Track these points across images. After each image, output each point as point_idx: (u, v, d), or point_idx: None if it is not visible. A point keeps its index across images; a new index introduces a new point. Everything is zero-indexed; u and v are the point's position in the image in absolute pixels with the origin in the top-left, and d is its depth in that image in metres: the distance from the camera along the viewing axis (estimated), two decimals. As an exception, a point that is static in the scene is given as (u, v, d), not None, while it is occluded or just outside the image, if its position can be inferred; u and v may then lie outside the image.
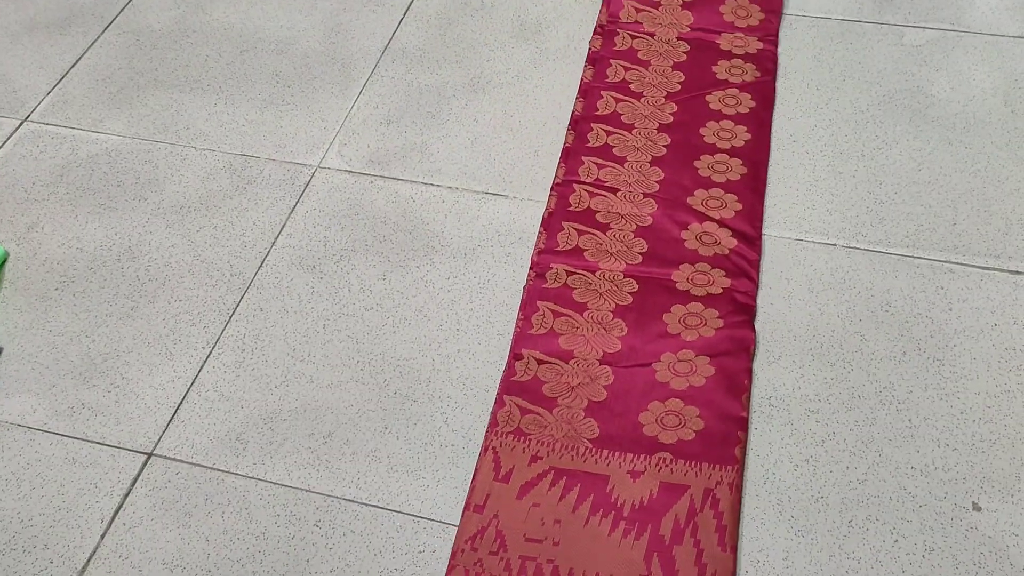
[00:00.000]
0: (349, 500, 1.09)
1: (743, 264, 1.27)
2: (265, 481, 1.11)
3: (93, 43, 1.70)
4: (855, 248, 1.30)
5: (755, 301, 1.24)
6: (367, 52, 1.65)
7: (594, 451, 1.10)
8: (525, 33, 1.67)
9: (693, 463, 1.08)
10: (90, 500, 1.10)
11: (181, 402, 1.19)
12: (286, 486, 1.10)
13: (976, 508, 1.05)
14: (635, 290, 1.25)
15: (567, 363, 1.18)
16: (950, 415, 1.12)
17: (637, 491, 1.06)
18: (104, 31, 1.72)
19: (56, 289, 1.32)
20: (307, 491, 1.10)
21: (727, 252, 1.29)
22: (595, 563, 1.01)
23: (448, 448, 1.13)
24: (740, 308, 1.22)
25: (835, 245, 1.31)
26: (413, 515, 1.07)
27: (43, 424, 1.17)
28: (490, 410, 1.15)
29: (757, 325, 1.22)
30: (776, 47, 1.59)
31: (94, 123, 1.56)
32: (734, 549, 1.02)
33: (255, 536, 1.06)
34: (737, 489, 1.06)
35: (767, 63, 1.56)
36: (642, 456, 1.09)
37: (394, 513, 1.07)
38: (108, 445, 1.15)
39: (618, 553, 1.02)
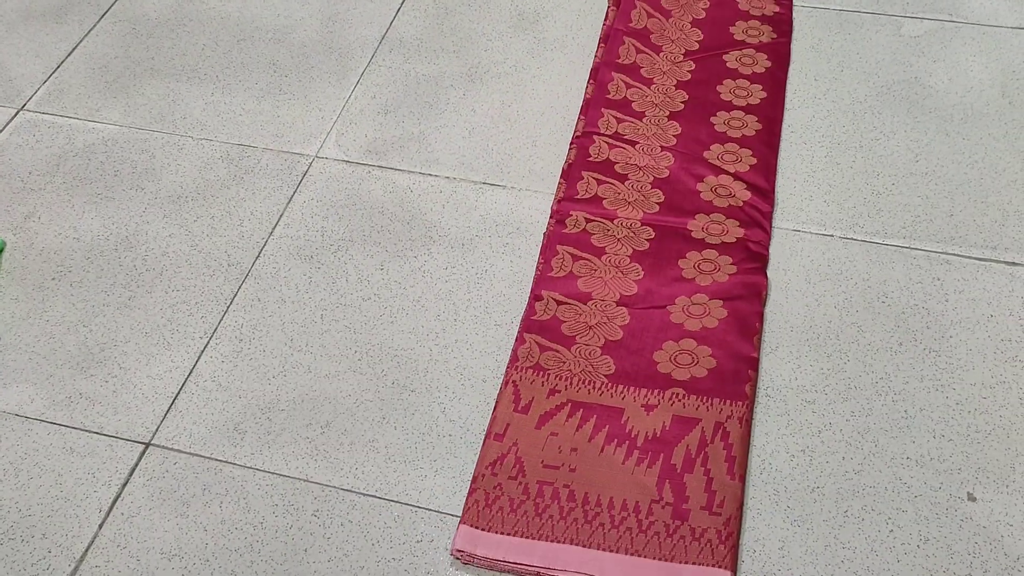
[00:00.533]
0: (347, 490, 1.09)
1: (756, 215, 1.31)
2: (263, 471, 1.11)
3: (89, 32, 1.69)
4: (852, 239, 1.30)
5: (767, 251, 1.29)
6: (364, 41, 1.65)
7: (610, 386, 1.15)
8: (523, 23, 1.66)
9: (705, 398, 1.13)
10: (88, 490, 1.10)
11: (179, 392, 1.19)
12: (284, 476, 1.10)
13: (971, 498, 1.05)
14: (652, 237, 1.30)
15: (585, 304, 1.23)
16: (946, 406, 1.13)
17: (651, 423, 1.11)
18: (100, 20, 1.71)
19: (53, 279, 1.32)
20: (305, 481, 1.10)
21: (741, 204, 1.33)
22: (609, 488, 1.06)
23: (446, 438, 1.13)
24: (753, 256, 1.27)
25: (832, 236, 1.31)
26: (411, 505, 1.07)
27: (40, 414, 1.17)
28: (490, 399, 1.16)
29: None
30: (791, 10, 1.63)
31: (91, 112, 1.55)
32: (742, 478, 1.06)
33: (253, 526, 1.06)
34: (747, 423, 1.11)
35: (783, 25, 1.60)
36: (656, 391, 1.14)
37: (392, 503, 1.08)
38: (106, 435, 1.15)
39: (631, 479, 1.06)
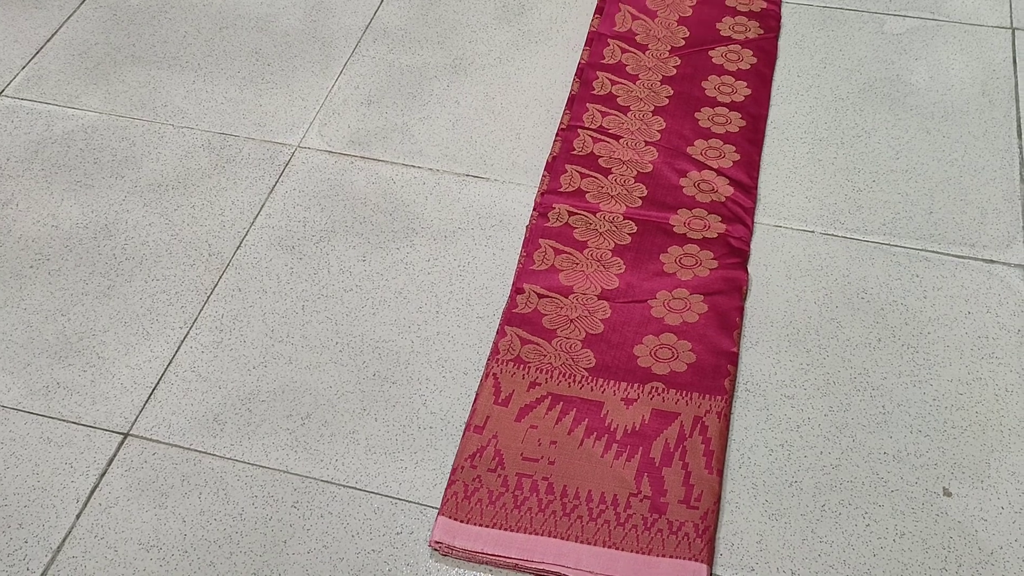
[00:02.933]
0: (327, 481, 1.09)
1: (739, 211, 1.32)
2: (242, 462, 1.11)
3: (69, 17, 1.67)
4: (833, 235, 1.31)
5: (748, 246, 1.29)
6: (348, 31, 1.64)
7: (590, 379, 1.15)
8: (508, 15, 1.66)
9: (684, 392, 1.14)
10: (65, 480, 1.09)
11: (158, 382, 1.18)
12: (263, 467, 1.10)
13: (947, 493, 1.06)
14: (634, 231, 1.30)
15: (566, 297, 1.23)
16: (923, 401, 1.14)
17: (630, 417, 1.12)
18: (80, 5, 1.70)
19: (31, 267, 1.31)
20: (285, 472, 1.10)
21: (723, 200, 1.34)
22: (588, 481, 1.07)
23: (427, 430, 1.13)
24: (734, 251, 1.28)
25: (813, 232, 1.32)
26: (391, 497, 1.07)
27: (17, 403, 1.16)
28: (470, 392, 1.16)
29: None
30: (780, 6, 1.64)
31: (70, 99, 1.54)
32: (720, 473, 1.07)
33: (232, 517, 1.06)
34: (725, 418, 1.12)
35: (770, 21, 1.61)
36: (636, 385, 1.15)
37: (372, 495, 1.08)
38: (84, 425, 1.14)
39: (610, 472, 1.07)
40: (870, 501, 1.06)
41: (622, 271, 1.26)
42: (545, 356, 1.17)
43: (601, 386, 1.14)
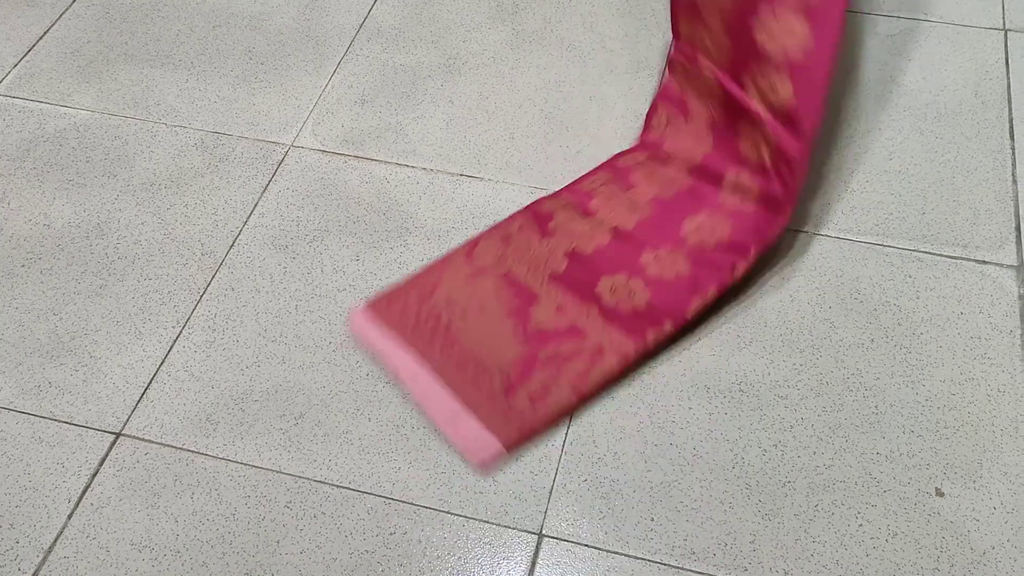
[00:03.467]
0: (320, 481, 1.09)
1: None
2: (235, 462, 1.10)
3: (62, 15, 1.67)
4: (826, 236, 1.31)
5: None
6: (342, 30, 1.64)
7: (548, 281, 1.25)
8: (502, 14, 1.66)
9: (609, 326, 1.20)
10: (57, 480, 1.09)
11: (150, 382, 1.18)
12: (256, 467, 1.10)
13: (939, 494, 1.07)
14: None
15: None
16: (915, 402, 1.14)
17: (553, 321, 1.21)
18: (73, 3, 1.69)
19: (22, 266, 1.30)
20: (278, 472, 1.09)
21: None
22: (481, 347, 1.19)
23: (419, 431, 1.13)
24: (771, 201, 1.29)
25: (806, 232, 1.32)
26: (384, 497, 1.07)
27: (9, 403, 1.16)
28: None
29: (730, 312, 1.23)
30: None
31: (62, 97, 1.53)
32: (581, 396, 1.14)
33: (225, 517, 1.06)
34: (624, 361, 1.17)
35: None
36: (580, 304, 1.23)
37: (365, 495, 1.08)
38: (76, 424, 1.14)
39: (503, 349, 1.19)
40: (863, 501, 1.06)
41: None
42: (530, 243, 1.28)
43: (550, 289, 1.24)
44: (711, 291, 1.21)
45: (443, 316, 1.21)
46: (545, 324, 1.20)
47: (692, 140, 1.36)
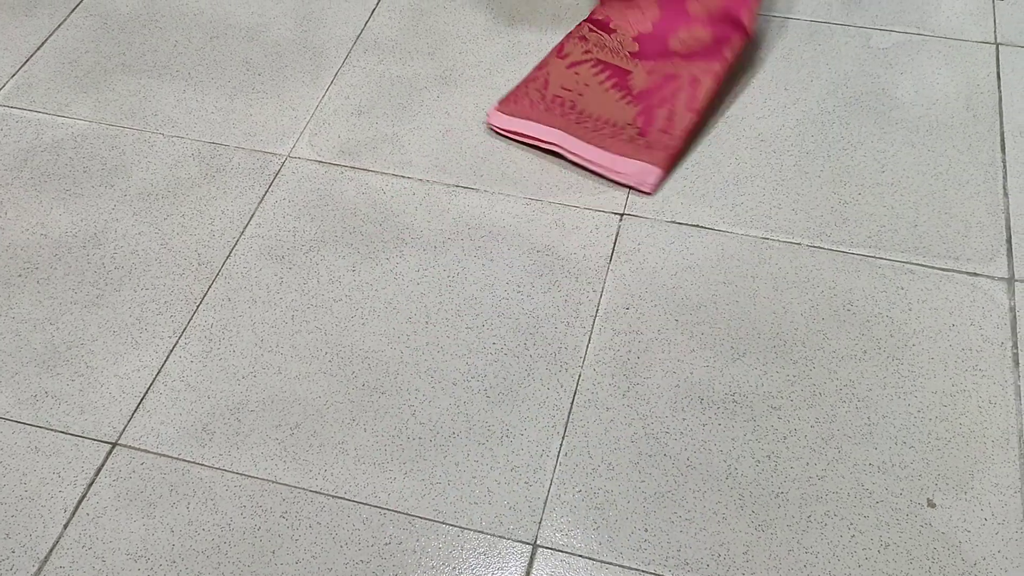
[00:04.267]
0: (316, 492, 1.09)
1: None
2: (231, 472, 1.11)
3: (59, 25, 1.68)
4: (819, 248, 1.32)
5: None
6: (339, 41, 1.65)
7: (630, 59, 1.54)
8: (498, 26, 1.67)
9: (689, 60, 1.50)
10: (53, 489, 1.09)
11: (147, 392, 1.18)
12: (252, 477, 1.10)
13: (931, 505, 1.07)
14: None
15: (610, 36, 1.60)
16: (908, 413, 1.15)
17: (647, 81, 1.50)
18: (71, 13, 1.70)
19: (19, 276, 1.31)
20: (273, 482, 1.10)
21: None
22: (601, 110, 1.47)
23: (415, 441, 1.13)
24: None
25: (800, 244, 1.33)
26: (379, 507, 1.08)
27: (5, 412, 1.16)
28: (460, 402, 1.16)
29: (724, 323, 1.24)
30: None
31: (60, 107, 1.54)
32: (699, 113, 1.44)
33: (220, 527, 1.06)
34: (716, 77, 1.47)
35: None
36: (658, 61, 1.52)
37: (360, 505, 1.08)
38: (72, 434, 1.14)
39: (618, 108, 1.47)
40: (855, 512, 1.07)
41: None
42: (603, 40, 1.56)
43: (635, 63, 1.53)
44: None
45: (566, 99, 1.48)
46: (645, 85, 1.49)
47: None
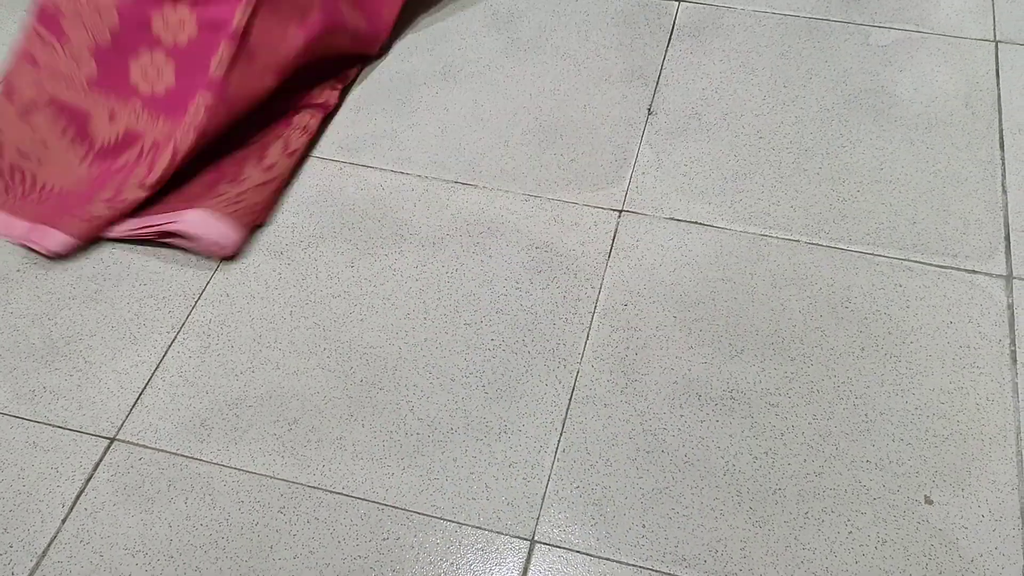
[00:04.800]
0: (314, 487, 1.09)
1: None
2: (229, 467, 1.11)
3: (58, 20, 1.67)
4: (818, 244, 1.33)
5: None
6: (338, 37, 1.64)
7: (88, 90, 1.34)
8: (497, 22, 1.67)
9: (154, 115, 1.32)
10: (51, 484, 1.09)
11: (145, 387, 1.18)
12: (250, 472, 1.10)
13: (928, 501, 1.08)
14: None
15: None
16: (905, 410, 1.15)
17: (111, 131, 1.33)
18: (69, 8, 1.69)
19: (18, 271, 1.31)
20: (271, 478, 1.10)
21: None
22: (61, 179, 1.31)
23: (413, 436, 1.13)
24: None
25: (798, 241, 1.33)
26: (377, 503, 1.08)
27: (3, 407, 1.16)
28: (458, 398, 1.16)
29: (722, 320, 1.24)
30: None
31: (58, 102, 1.53)
32: (152, 188, 1.29)
33: (218, 522, 1.06)
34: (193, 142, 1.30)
35: None
36: (120, 101, 1.33)
37: (358, 500, 1.08)
38: (70, 429, 1.14)
39: (78, 175, 1.32)
40: (853, 509, 1.07)
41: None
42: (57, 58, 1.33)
43: (96, 99, 1.32)
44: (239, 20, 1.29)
45: (26, 171, 1.29)
46: (106, 138, 1.31)
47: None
